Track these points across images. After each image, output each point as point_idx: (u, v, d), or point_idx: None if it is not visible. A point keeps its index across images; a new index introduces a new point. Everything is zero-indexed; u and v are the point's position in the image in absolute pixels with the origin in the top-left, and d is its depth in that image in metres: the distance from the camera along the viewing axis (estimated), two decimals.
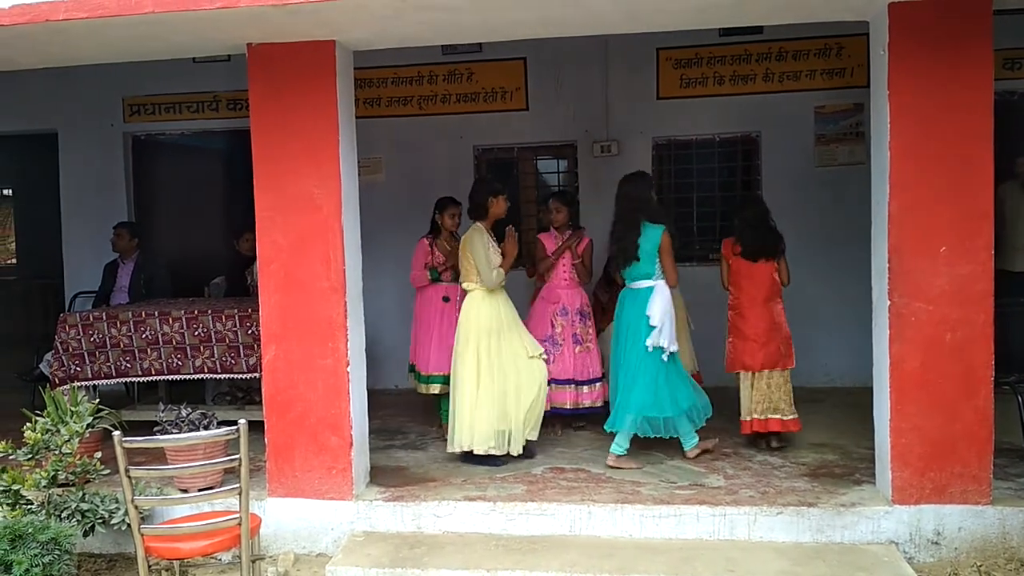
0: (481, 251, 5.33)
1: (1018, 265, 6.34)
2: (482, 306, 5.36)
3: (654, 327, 5.18)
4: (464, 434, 5.28)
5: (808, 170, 7.34)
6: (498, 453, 5.26)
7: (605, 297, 6.44)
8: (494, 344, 5.31)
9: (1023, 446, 5.02)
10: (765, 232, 5.55)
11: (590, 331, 5.97)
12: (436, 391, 5.94)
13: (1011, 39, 6.21)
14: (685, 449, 5.34)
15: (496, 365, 5.29)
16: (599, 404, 5.88)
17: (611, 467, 5.21)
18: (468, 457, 5.36)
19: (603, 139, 7.51)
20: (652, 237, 5.26)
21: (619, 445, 5.23)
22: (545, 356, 5.52)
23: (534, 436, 5.42)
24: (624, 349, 5.34)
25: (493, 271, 5.31)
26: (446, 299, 5.94)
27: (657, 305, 5.21)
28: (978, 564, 4.23)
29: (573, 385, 5.85)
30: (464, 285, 5.50)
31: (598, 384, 5.92)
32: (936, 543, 4.32)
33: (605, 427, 5.35)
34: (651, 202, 5.46)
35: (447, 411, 5.56)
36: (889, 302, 4.29)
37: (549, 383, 5.82)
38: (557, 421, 5.98)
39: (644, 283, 5.31)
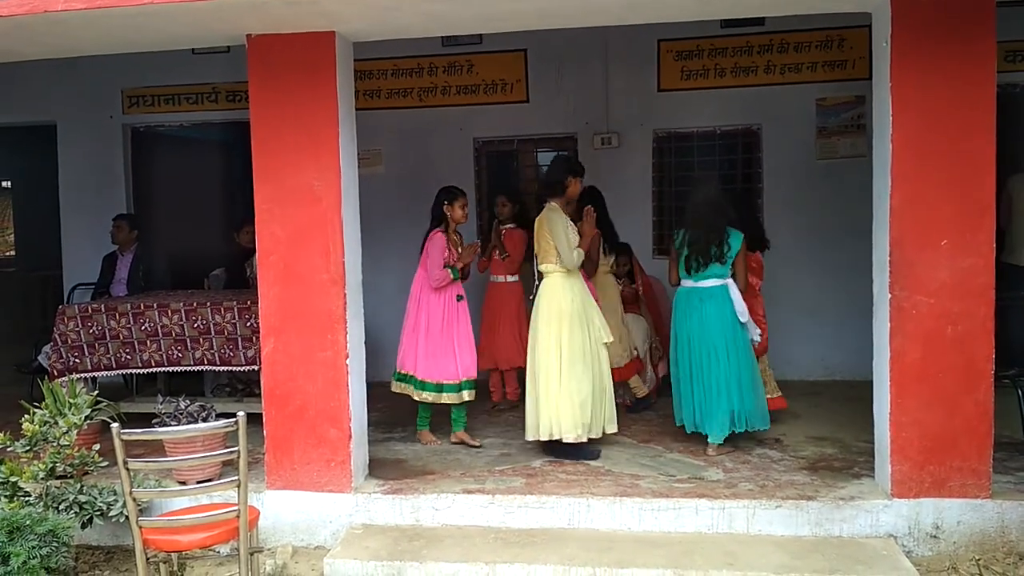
0: (561, 231, 5.25)
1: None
2: (563, 289, 5.27)
3: (743, 323, 5.32)
4: (551, 422, 5.16)
5: (809, 163, 7.32)
6: (584, 440, 5.19)
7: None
8: (576, 328, 5.22)
9: (1022, 440, 5.02)
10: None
11: None
12: (454, 400, 5.53)
13: (1013, 32, 6.19)
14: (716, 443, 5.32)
15: (580, 349, 5.21)
16: None
17: (711, 456, 5.24)
18: (552, 447, 5.28)
19: (603, 131, 7.49)
20: (735, 242, 5.34)
21: (720, 436, 5.29)
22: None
23: (613, 429, 5.36)
24: (712, 346, 5.27)
25: (573, 251, 5.24)
26: (459, 297, 5.62)
27: (740, 302, 5.31)
28: (977, 558, 4.22)
29: None
30: (541, 267, 5.39)
31: None
32: (935, 537, 4.32)
33: (712, 437, 5.29)
34: (727, 207, 5.46)
35: (460, 419, 5.58)
36: (890, 295, 4.28)
37: None
38: None
39: (717, 281, 5.33)
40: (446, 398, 5.52)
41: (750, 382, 5.32)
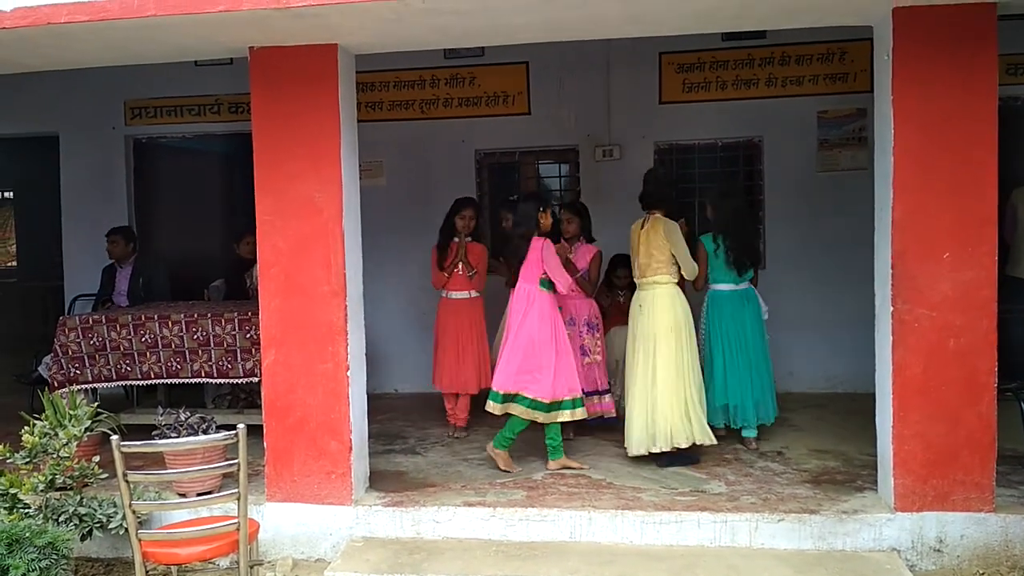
0: (682, 241, 5.36)
1: None
2: (679, 299, 5.35)
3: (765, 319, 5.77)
4: (669, 432, 5.18)
5: (811, 175, 7.32)
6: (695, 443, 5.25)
7: (607, 302, 6.42)
8: (686, 338, 5.31)
9: None
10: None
11: (598, 343, 5.94)
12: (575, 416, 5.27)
13: (1015, 45, 6.21)
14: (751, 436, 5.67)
15: (690, 359, 5.32)
16: (612, 415, 5.87)
17: (753, 449, 5.60)
18: (659, 457, 5.25)
19: (605, 143, 7.50)
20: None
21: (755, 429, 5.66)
22: None
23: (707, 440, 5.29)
24: (750, 344, 5.64)
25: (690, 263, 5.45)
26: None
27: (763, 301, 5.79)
28: (980, 572, 4.20)
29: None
30: (651, 279, 5.35)
31: (606, 396, 5.91)
32: (938, 551, 4.30)
33: (741, 432, 5.68)
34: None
35: (556, 438, 5.28)
36: (892, 308, 4.27)
37: None
38: (567, 427, 5.95)
39: (747, 284, 5.72)
40: (568, 415, 5.25)
41: (771, 376, 5.78)
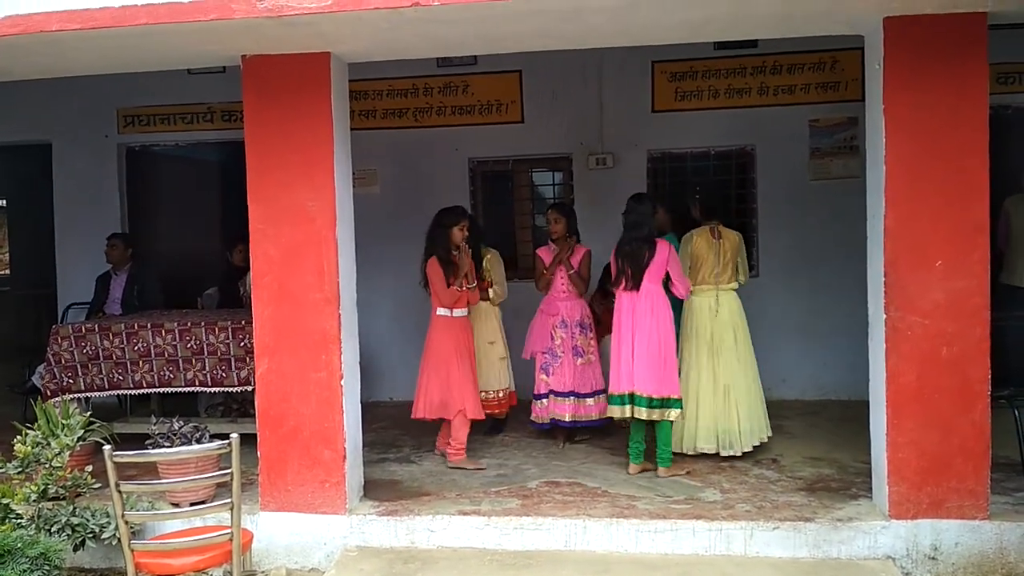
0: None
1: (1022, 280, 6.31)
2: (735, 303, 5.68)
3: None
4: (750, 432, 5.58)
5: (803, 183, 7.34)
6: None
7: (600, 308, 6.42)
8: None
9: (1020, 461, 5.01)
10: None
11: (591, 343, 5.95)
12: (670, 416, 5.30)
13: (1006, 54, 6.21)
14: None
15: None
16: (603, 417, 5.83)
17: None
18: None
19: (598, 151, 7.51)
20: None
21: None
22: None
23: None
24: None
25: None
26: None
27: None
28: None
29: (574, 397, 5.83)
30: (728, 285, 5.68)
31: (600, 396, 5.87)
32: (933, 558, 4.30)
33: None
34: None
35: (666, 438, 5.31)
36: (885, 316, 4.28)
37: (548, 394, 5.83)
38: (559, 433, 5.96)
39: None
40: (674, 414, 5.31)
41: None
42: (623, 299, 5.38)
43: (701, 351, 5.60)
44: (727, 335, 5.60)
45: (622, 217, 5.50)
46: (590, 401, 5.86)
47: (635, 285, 5.31)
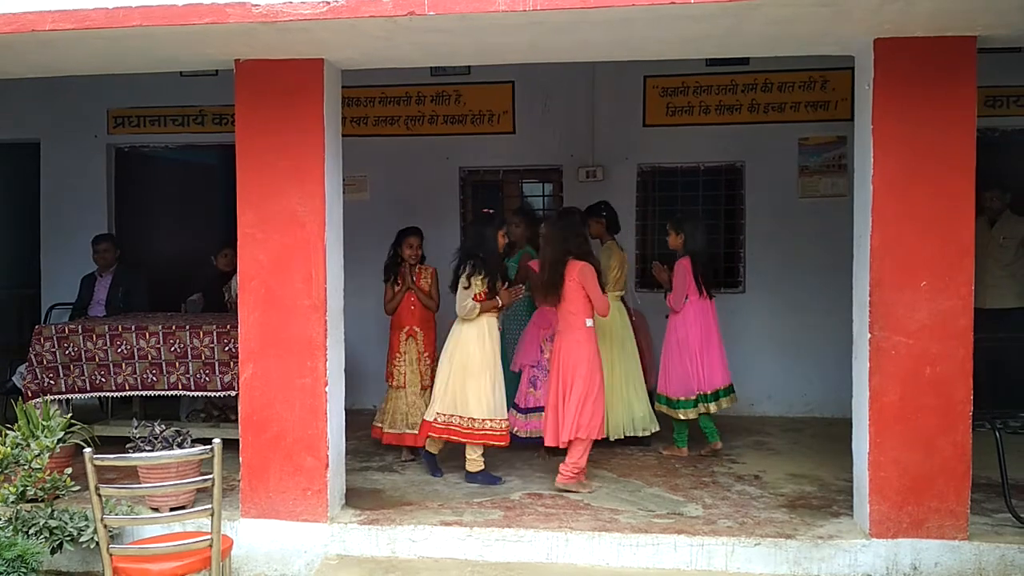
0: None
1: (988, 302, 6.36)
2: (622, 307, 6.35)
3: None
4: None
5: (791, 201, 7.39)
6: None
7: None
8: None
9: (1000, 481, 5.03)
10: None
11: None
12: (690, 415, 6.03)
13: (994, 77, 6.30)
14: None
15: None
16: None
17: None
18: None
19: (588, 164, 7.54)
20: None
21: None
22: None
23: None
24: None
25: None
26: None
27: None
28: None
29: None
30: (619, 292, 6.21)
31: None
32: None
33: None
34: None
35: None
36: (870, 335, 4.31)
37: (535, 409, 5.83)
38: (542, 445, 5.94)
39: None
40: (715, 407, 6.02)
41: None
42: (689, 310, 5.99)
43: (615, 350, 6.11)
44: (627, 335, 6.20)
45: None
46: None
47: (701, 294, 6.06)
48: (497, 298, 5.46)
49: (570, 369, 5.25)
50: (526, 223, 6.30)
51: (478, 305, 5.36)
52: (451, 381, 5.40)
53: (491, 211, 5.62)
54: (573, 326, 5.30)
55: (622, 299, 6.30)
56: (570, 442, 5.26)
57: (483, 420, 5.36)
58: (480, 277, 5.39)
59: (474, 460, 5.43)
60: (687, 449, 6.06)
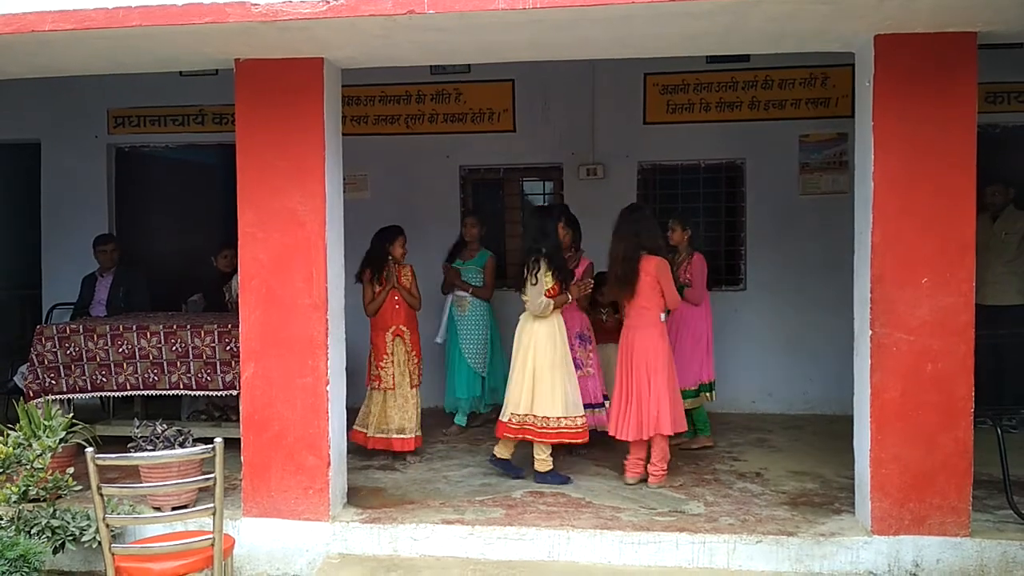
0: None
1: (988, 299, 6.35)
2: None
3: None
4: None
5: (792, 198, 7.38)
6: None
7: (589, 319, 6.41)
8: None
9: (1002, 478, 5.03)
10: None
11: (590, 356, 5.89)
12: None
13: (994, 73, 6.29)
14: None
15: None
16: (601, 429, 5.80)
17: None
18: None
19: (589, 162, 7.53)
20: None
21: None
22: None
23: None
24: None
25: None
26: None
27: None
28: None
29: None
30: None
31: (599, 409, 5.85)
32: (914, 574, 4.31)
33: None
34: None
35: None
36: (871, 332, 4.31)
37: None
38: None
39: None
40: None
41: None
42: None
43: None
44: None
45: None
46: (591, 412, 5.80)
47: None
48: (567, 293, 5.43)
49: (649, 363, 5.27)
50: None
51: (551, 302, 5.32)
52: (525, 381, 5.34)
53: (548, 204, 5.54)
54: (649, 321, 5.31)
55: None
56: (651, 439, 5.32)
57: (559, 418, 5.31)
58: (550, 272, 5.35)
59: (543, 460, 5.38)
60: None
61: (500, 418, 5.48)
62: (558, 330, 5.40)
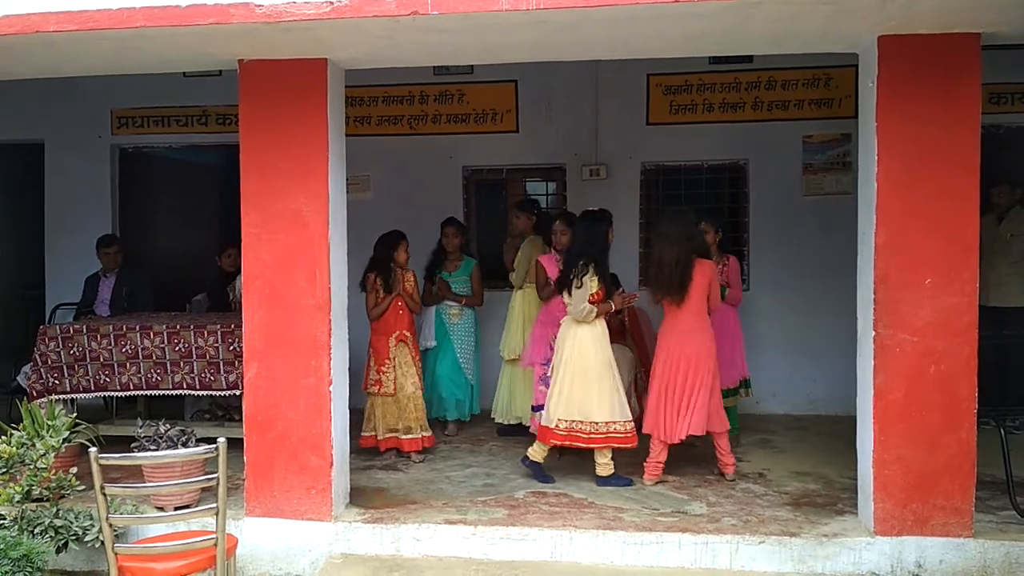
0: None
1: (992, 300, 6.35)
2: None
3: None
4: None
5: (795, 199, 7.37)
6: None
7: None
8: None
9: (1005, 479, 5.02)
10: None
11: None
12: None
13: (998, 74, 6.27)
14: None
15: None
16: None
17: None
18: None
19: (592, 163, 7.53)
20: None
21: None
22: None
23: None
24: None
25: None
26: None
27: None
28: None
29: None
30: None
31: None
32: (917, 575, 4.31)
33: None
34: None
35: None
36: (874, 333, 4.30)
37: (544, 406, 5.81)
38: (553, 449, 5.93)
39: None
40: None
41: None
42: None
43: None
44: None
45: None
46: None
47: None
48: (611, 302, 5.41)
49: (709, 365, 5.32)
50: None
51: (594, 308, 5.29)
52: (570, 386, 5.28)
53: (597, 209, 5.54)
54: (703, 324, 5.38)
55: None
56: (714, 435, 5.42)
57: (607, 423, 5.27)
58: (596, 278, 5.32)
59: (605, 464, 5.34)
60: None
61: (543, 423, 5.41)
62: (602, 335, 5.38)
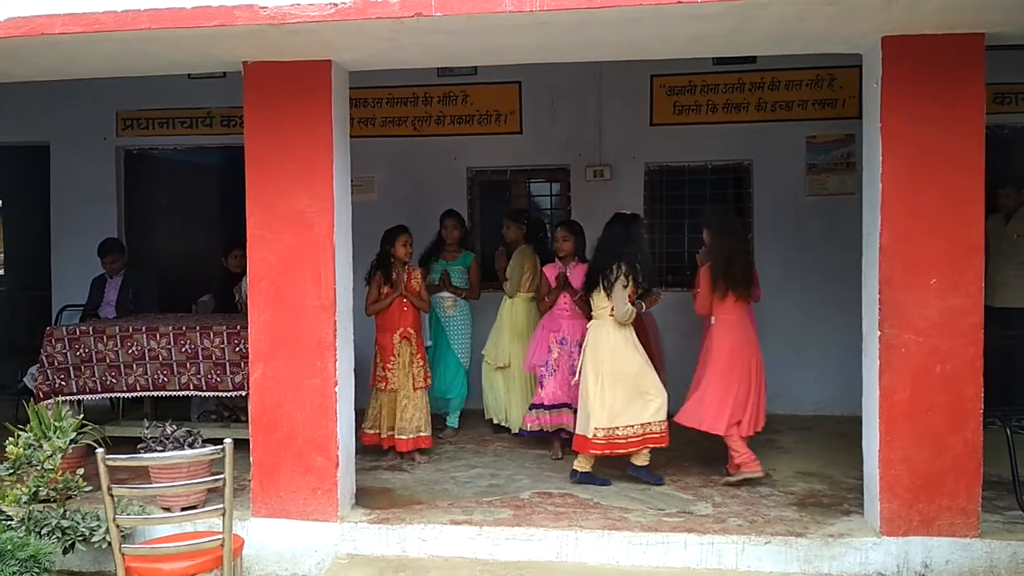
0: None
1: (998, 300, 6.34)
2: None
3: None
4: None
5: (799, 199, 7.37)
6: None
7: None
8: None
9: (1011, 479, 5.02)
10: None
11: (566, 357, 5.87)
12: None
13: (1002, 74, 6.28)
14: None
15: None
16: None
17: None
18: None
19: (596, 164, 7.54)
20: None
21: None
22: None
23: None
24: None
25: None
26: None
27: None
28: None
29: (567, 409, 5.79)
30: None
31: (566, 409, 5.82)
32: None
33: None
34: None
35: None
36: (879, 333, 4.30)
37: (543, 406, 5.81)
38: (555, 442, 5.94)
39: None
40: None
41: None
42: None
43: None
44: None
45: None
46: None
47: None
48: (641, 303, 5.41)
49: (756, 361, 5.44)
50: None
51: (634, 309, 5.30)
52: (612, 396, 5.24)
53: (630, 212, 5.56)
54: (752, 320, 5.53)
55: None
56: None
57: (643, 424, 5.27)
58: (631, 278, 5.29)
59: (643, 455, 5.37)
60: None
61: (579, 432, 5.37)
62: (631, 335, 5.38)
